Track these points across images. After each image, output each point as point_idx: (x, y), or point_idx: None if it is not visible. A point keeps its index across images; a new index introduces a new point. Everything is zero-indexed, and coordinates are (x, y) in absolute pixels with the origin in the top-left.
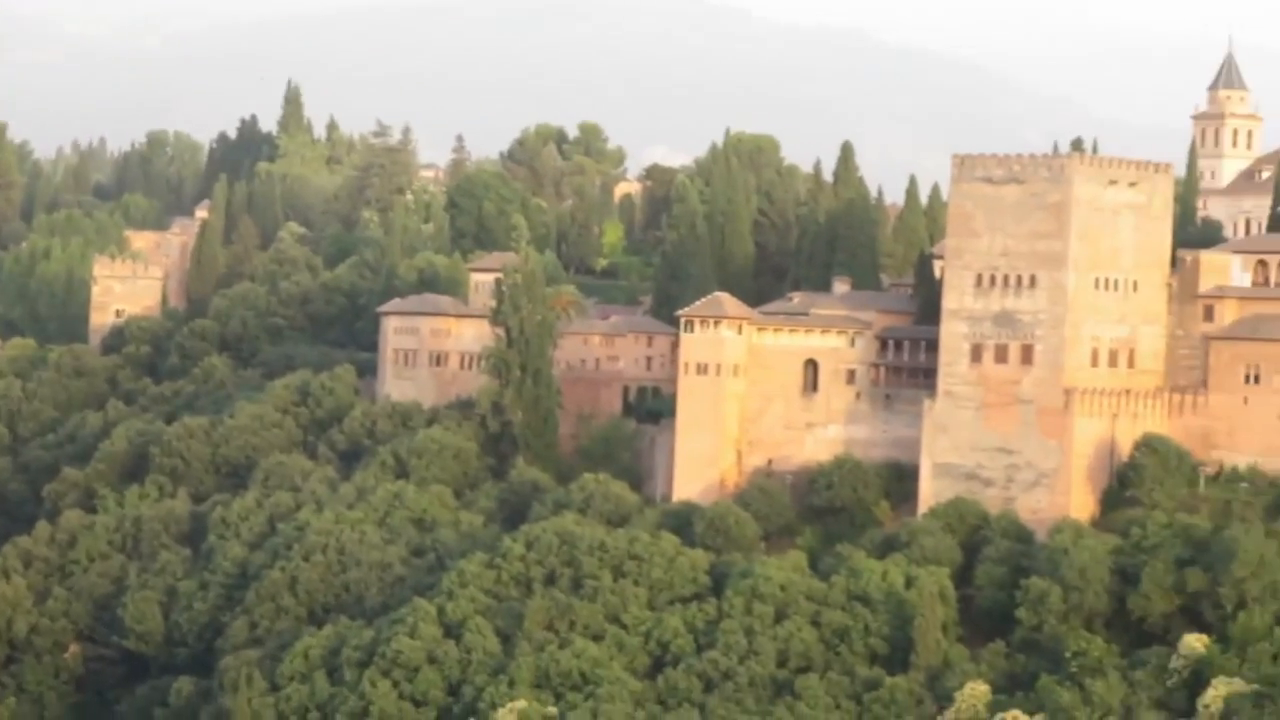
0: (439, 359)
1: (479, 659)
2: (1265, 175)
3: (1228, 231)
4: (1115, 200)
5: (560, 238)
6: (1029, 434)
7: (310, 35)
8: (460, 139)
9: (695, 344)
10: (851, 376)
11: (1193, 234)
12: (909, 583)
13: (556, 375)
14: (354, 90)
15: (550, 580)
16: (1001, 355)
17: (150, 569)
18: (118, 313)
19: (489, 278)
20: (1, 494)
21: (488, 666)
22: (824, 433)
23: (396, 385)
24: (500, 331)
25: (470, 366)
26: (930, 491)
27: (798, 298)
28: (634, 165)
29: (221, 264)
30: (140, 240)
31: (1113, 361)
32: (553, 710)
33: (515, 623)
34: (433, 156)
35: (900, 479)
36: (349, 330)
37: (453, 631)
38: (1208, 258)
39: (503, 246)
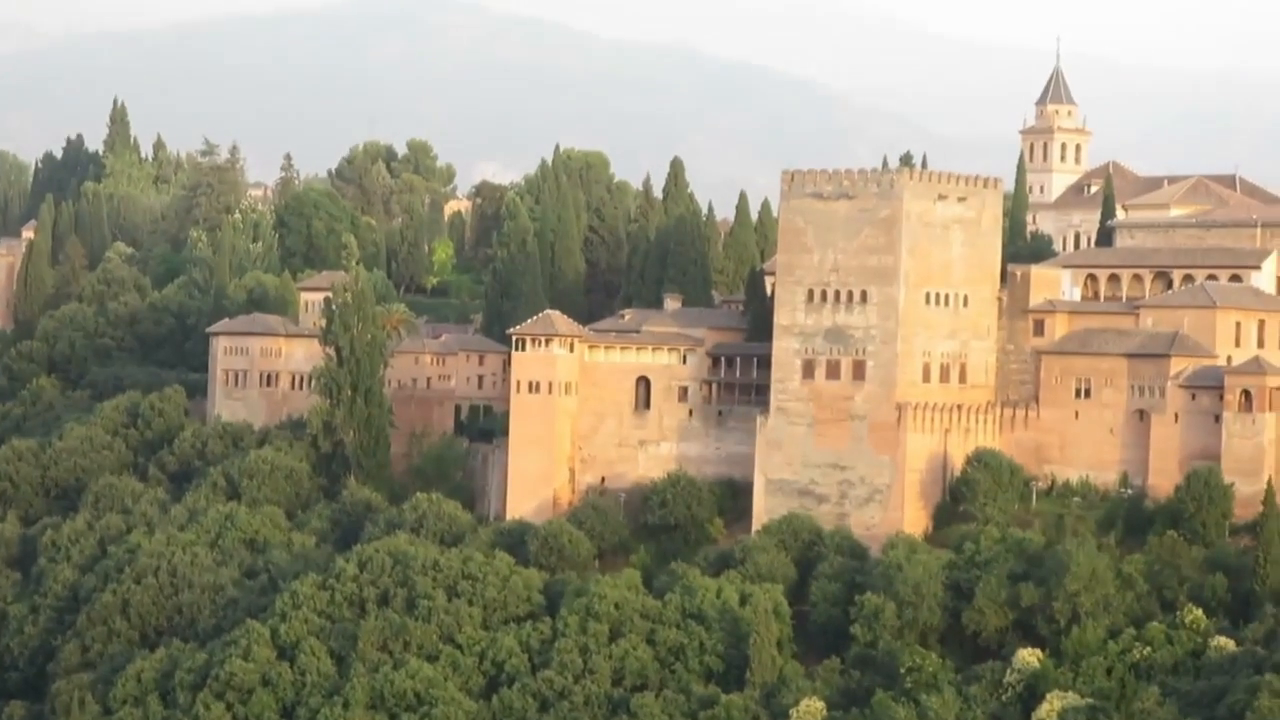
0: (269, 379)
1: (313, 680)
2: (1094, 189)
3: (1057, 246)
4: (945, 215)
5: (390, 256)
6: (861, 450)
7: (134, 53)
8: (288, 157)
9: (527, 362)
10: (684, 393)
11: (1022, 248)
12: (743, 600)
13: (388, 394)
14: (179, 108)
15: (384, 601)
16: (833, 371)
17: None
18: None
19: (319, 297)
20: None
21: (322, 688)
22: (657, 450)
23: (227, 406)
24: (331, 351)
25: (301, 386)
26: (764, 508)
27: (629, 315)
28: (463, 183)
29: (49, 285)
30: None
31: (944, 377)
32: None
33: (349, 644)
34: (261, 175)
35: (734, 496)
36: (178, 351)
37: (286, 653)
38: (1038, 272)
39: (332, 265)
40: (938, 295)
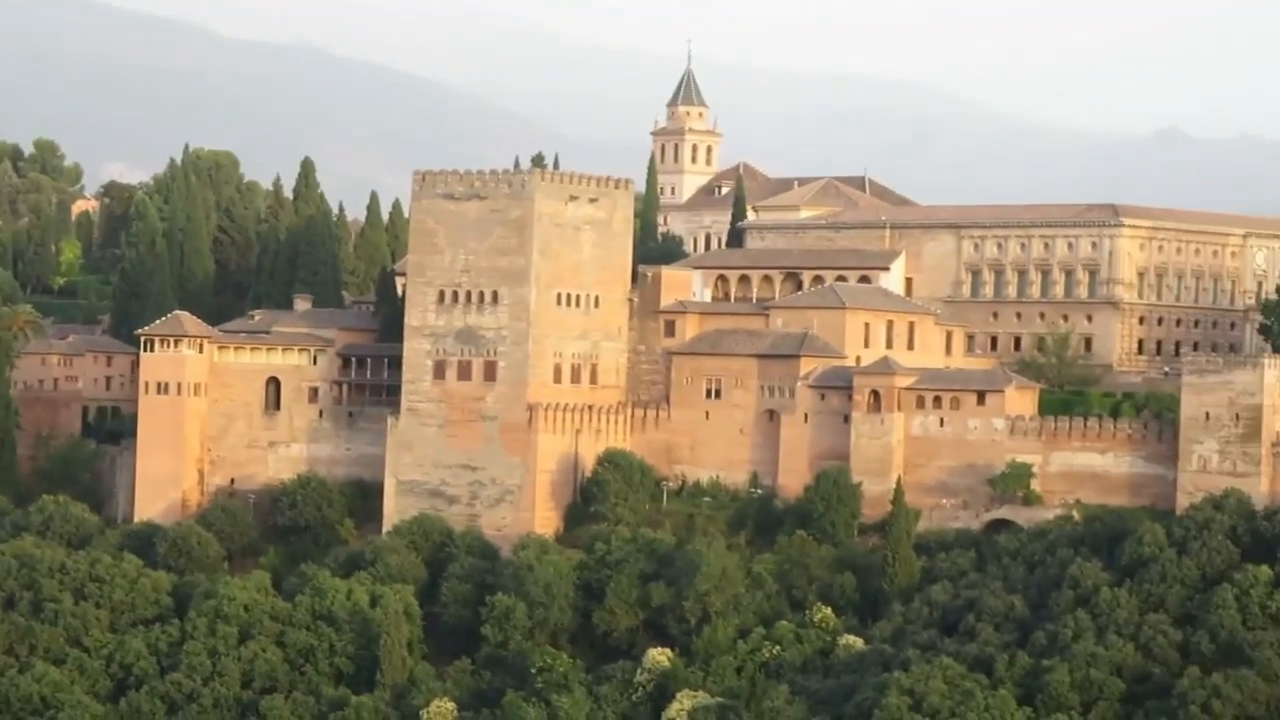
0: None
1: None
2: (724, 191)
3: (688, 247)
4: (576, 216)
5: (16, 256)
6: (493, 450)
7: None
8: None
9: (155, 363)
10: (314, 394)
11: (654, 249)
12: (374, 601)
13: (14, 396)
14: None
15: (10, 604)
16: (465, 372)
17: None
18: None
19: None
20: None
21: None
22: (287, 451)
23: None
24: None
25: None
26: (394, 509)
27: (259, 315)
28: (91, 182)
29: None
30: None
31: (575, 377)
32: None
33: None
34: None
35: (365, 497)
36: None
37: None
38: (669, 273)
39: None
40: (569, 296)
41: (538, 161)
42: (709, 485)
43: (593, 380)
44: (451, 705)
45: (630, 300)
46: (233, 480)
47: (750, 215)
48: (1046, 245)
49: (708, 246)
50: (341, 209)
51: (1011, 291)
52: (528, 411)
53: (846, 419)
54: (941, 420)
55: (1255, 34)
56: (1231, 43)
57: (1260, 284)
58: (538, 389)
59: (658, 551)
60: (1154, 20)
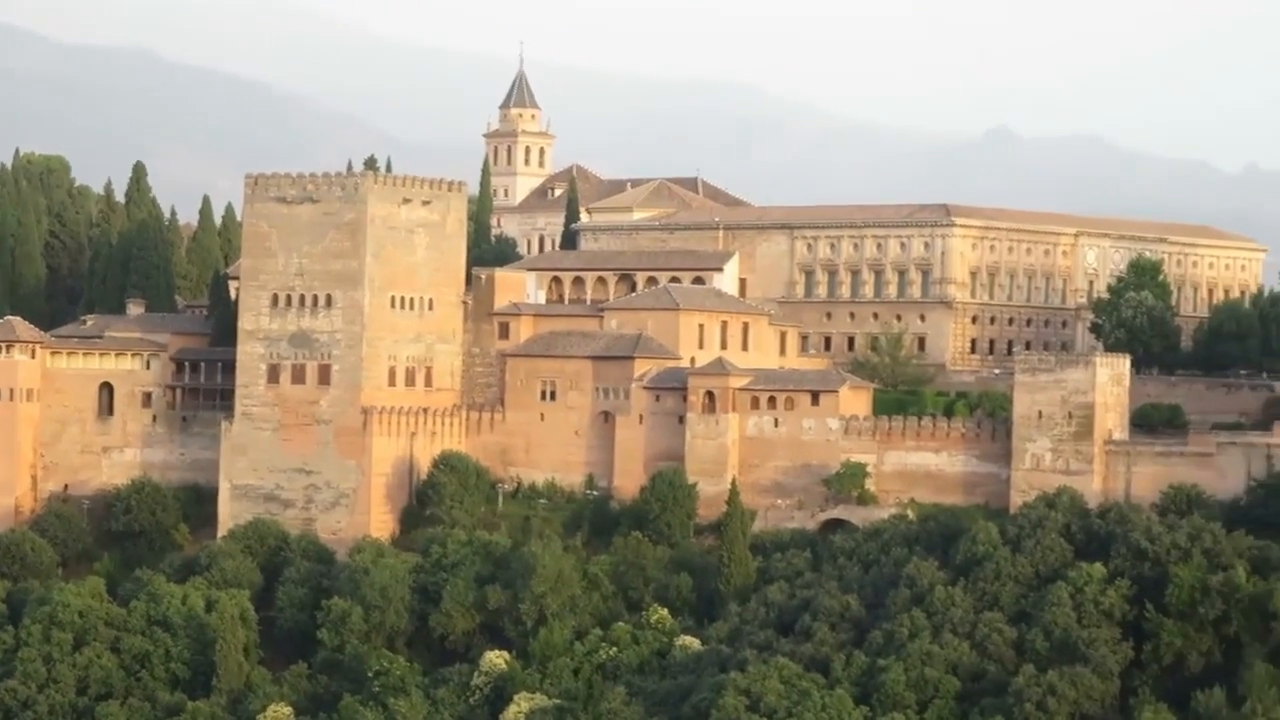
0: None
1: None
2: (558, 193)
3: (522, 249)
4: (410, 218)
5: None
6: (327, 454)
7: None
8: None
9: None
10: (148, 399)
11: (487, 251)
12: (209, 606)
13: None
14: None
15: None
16: (299, 376)
17: None
18: None
19: None
20: None
21: None
22: (121, 456)
23: None
24: None
25: None
26: (229, 514)
27: (92, 321)
28: None
29: None
30: None
31: (410, 380)
32: None
33: None
34: None
35: (199, 502)
36: None
37: None
38: (503, 275)
39: None
40: (403, 299)
41: (370, 164)
42: (545, 487)
43: (427, 383)
44: (288, 710)
45: (464, 303)
46: (66, 486)
47: (584, 217)
48: (879, 245)
49: (542, 248)
50: (174, 213)
51: (845, 292)
52: (362, 415)
53: (681, 420)
54: (776, 421)
55: (1083, 33)
56: (1060, 42)
57: (1091, 283)
58: (372, 392)
59: (494, 554)
60: (982, 20)
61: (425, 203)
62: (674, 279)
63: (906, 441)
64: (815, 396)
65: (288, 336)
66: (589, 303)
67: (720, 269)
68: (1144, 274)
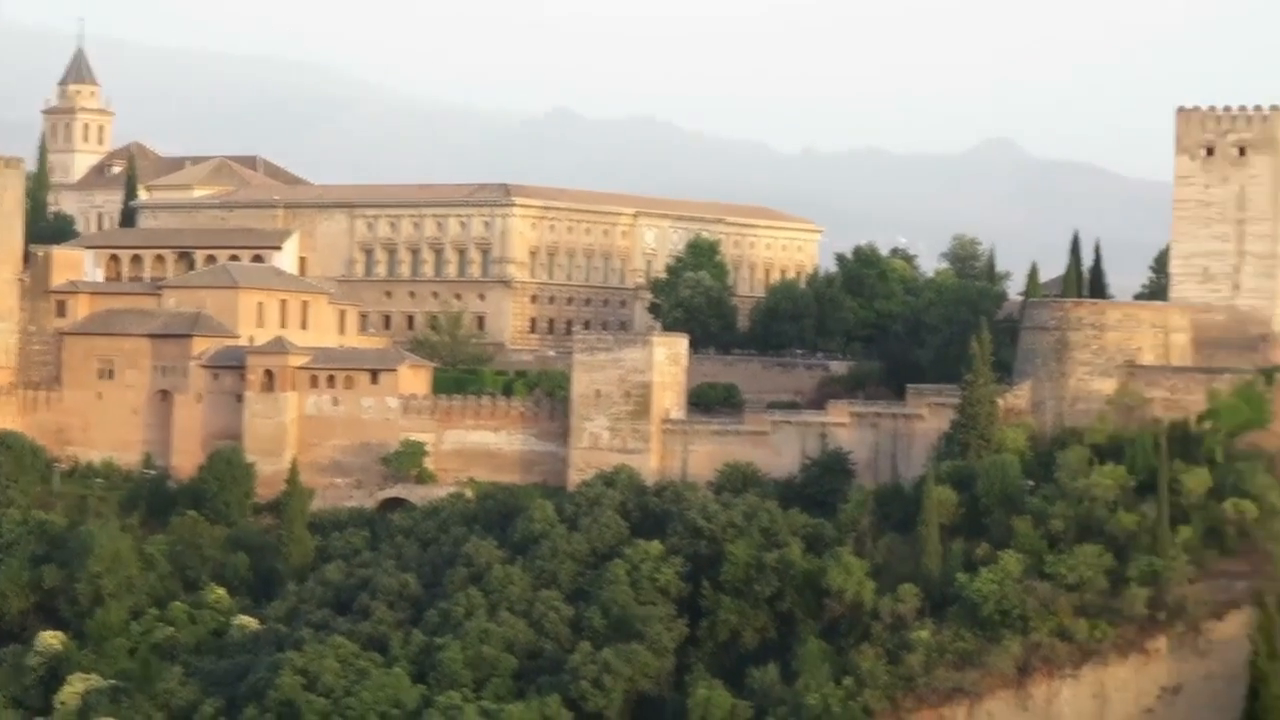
0: None
1: None
2: (116, 170)
3: (80, 226)
4: None
5: None
6: None
7: None
8: None
9: None
10: None
11: (45, 229)
12: None
13: None
14: None
15: None
16: None
17: None
18: None
19: None
20: None
21: None
22: None
23: None
24: None
25: None
26: None
27: None
28: None
29: None
30: None
31: None
32: None
33: None
34: None
35: None
36: None
37: None
38: (59, 253)
39: None
40: None
41: None
42: (102, 466)
43: None
44: None
45: (21, 280)
46: None
47: (143, 195)
48: (439, 225)
49: (100, 226)
50: None
51: (405, 270)
52: None
53: (240, 399)
54: (335, 399)
55: (643, 16)
56: (620, 20)
57: (649, 263)
58: None
59: (49, 533)
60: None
61: None
62: (233, 257)
63: (465, 420)
64: (374, 375)
65: None
66: (148, 281)
67: (279, 247)
68: (701, 254)
